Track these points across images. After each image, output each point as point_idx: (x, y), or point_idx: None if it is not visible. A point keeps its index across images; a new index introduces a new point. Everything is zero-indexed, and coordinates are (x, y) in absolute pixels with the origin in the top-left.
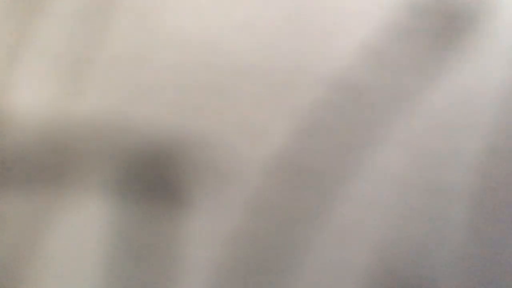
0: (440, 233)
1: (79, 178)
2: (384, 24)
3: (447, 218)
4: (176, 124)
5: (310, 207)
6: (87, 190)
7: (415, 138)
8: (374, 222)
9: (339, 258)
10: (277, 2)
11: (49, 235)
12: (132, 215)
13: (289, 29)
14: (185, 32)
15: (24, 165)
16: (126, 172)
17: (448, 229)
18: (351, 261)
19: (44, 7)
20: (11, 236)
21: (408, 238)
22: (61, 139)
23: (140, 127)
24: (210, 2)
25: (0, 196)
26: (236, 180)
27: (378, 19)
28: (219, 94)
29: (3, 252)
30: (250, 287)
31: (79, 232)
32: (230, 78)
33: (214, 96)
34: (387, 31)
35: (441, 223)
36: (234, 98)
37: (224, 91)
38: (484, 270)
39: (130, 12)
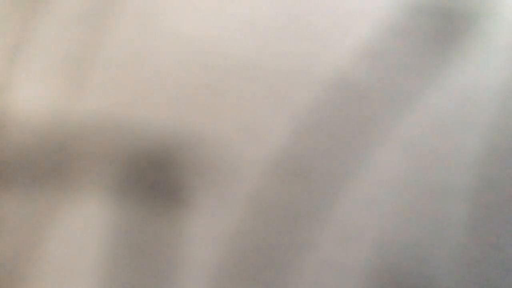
0: (440, 233)
1: (79, 178)
2: (384, 24)
3: (447, 218)
4: (176, 124)
5: (310, 207)
6: (87, 190)
7: (415, 138)
8: (374, 222)
9: (339, 257)
10: (277, 2)
11: (49, 235)
12: (132, 214)
13: (289, 29)
14: (185, 33)
15: (24, 165)
16: (126, 172)
17: (448, 229)
18: (351, 260)
19: (44, 7)
20: (11, 236)
21: (408, 238)
22: (61, 139)
23: (140, 127)
24: (210, 2)
25: (0, 196)
26: (236, 179)
27: (378, 19)
28: (219, 94)
29: (3, 252)
30: (250, 286)
31: (79, 232)
32: (230, 78)
33: (214, 96)
34: (387, 31)
35: (441, 223)
36: (234, 98)
37: (224, 91)
38: (484, 269)
39: (130, 13)
